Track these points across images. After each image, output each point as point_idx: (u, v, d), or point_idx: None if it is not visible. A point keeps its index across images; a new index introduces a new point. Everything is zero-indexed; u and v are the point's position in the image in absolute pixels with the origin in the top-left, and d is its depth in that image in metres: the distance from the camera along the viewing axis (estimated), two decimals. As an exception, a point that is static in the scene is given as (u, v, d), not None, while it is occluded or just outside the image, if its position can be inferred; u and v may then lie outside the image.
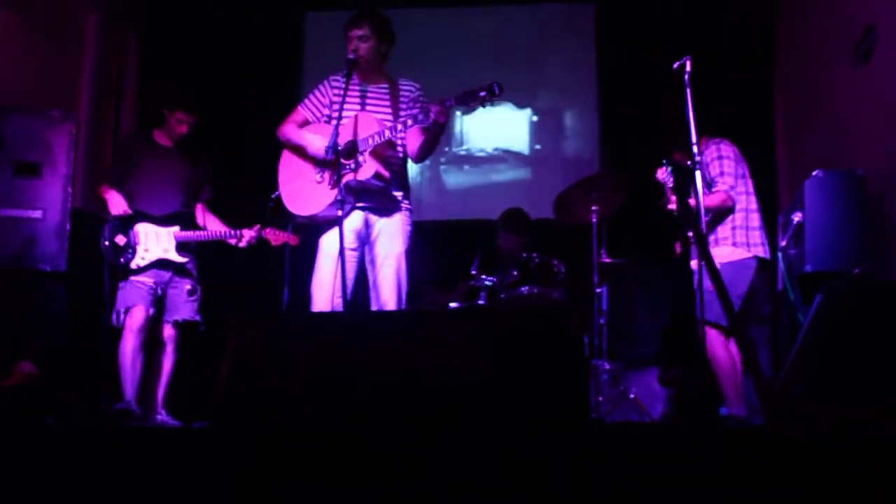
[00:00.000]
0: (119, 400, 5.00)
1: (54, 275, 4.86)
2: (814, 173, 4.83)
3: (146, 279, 5.12)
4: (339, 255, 4.17)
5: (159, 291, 5.17)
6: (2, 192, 4.85)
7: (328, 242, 4.49)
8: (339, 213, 4.15)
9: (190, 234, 5.25)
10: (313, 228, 4.62)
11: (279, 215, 5.11)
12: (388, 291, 4.48)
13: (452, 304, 6.11)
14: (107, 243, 5.09)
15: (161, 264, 5.17)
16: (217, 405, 2.91)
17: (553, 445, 2.52)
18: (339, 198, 4.17)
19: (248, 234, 5.19)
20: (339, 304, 4.30)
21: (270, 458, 2.63)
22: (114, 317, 5.08)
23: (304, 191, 4.52)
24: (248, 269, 6.66)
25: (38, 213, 4.87)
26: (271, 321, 3.29)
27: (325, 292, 4.39)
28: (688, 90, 4.23)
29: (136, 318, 5.06)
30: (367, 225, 4.53)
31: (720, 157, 4.93)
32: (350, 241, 4.41)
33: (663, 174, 4.67)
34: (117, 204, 5.11)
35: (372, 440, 2.62)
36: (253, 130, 6.77)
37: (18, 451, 2.90)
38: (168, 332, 5.23)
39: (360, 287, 4.60)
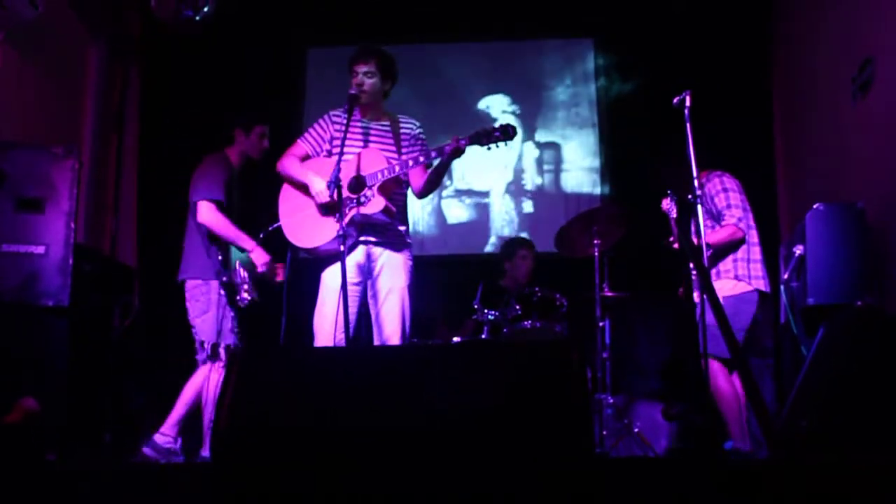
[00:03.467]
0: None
1: (56, 310, 4.85)
2: (814, 206, 4.84)
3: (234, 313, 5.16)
4: (341, 290, 4.17)
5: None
6: (4, 227, 4.85)
7: (331, 277, 4.49)
8: (342, 247, 4.16)
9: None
10: (316, 262, 4.63)
11: (272, 246, 5.16)
12: (391, 326, 4.47)
13: (455, 339, 6.10)
14: (227, 279, 5.08)
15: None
16: (217, 439, 2.90)
17: (558, 480, 2.51)
18: (341, 232, 4.18)
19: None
20: (341, 339, 4.28)
21: (270, 494, 2.62)
22: (220, 350, 5.06)
23: (306, 223, 4.53)
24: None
25: (40, 249, 4.87)
26: (273, 355, 3.29)
27: (328, 327, 4.38)
28: (688, 125, 4.24)
29: None
30: (370, 259, 4.53)
31: (725, 190, 4.94)
32: (353, 276, 4.40)
33: (667, 205, 4.68)
34: (262, 255, 5.13)
35: (373, 477, 2.61)
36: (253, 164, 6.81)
37: (19, 488, 2.89)
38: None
39: (364, 321, 4.60)
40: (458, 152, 4.24)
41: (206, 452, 4.99)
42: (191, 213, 5.21)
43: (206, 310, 5.08)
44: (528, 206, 7.56)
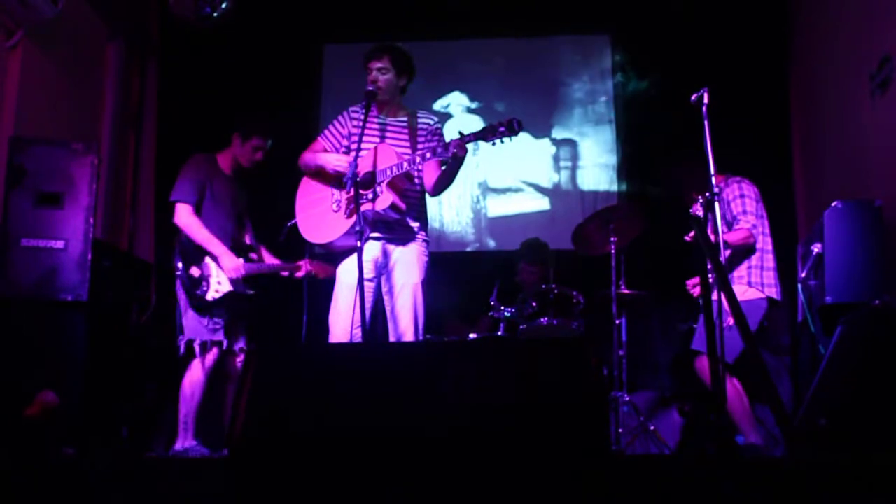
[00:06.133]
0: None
1: (75, 304, 4.88)
2: (832, 204, 4.81)
3: (223, 313, 5.09)
4: (357, 286, 4.17)
5: (231, 325, 5.16)
6: (25, 222, 4.89)
7: (346, 272, 4.50)
8: (358, 243, 4.16)
9: (254, 266, 5.23)
10: (331, 258, 4.64)
11: (291, 243, 5.15)
12: (405, 321, 4.48)
13: (472, 336, 6.11)
14: (179, 273, 5.06)
15: (236, 297, 5.13)
16: (235, 435, 2.91)
17: (574, 478, 2.51)
18: (357, 228, 4.19)
19: (305, 267, 5.22)
20: (357, 335, 4.29)
21: (288, 489, 2.63)
22: (182, 346, 5.05)
23: (320, 219, 4.55)
24: (265, 298, 6.70)
25: (60, 244, 4.91)
26: (290, 352, 3.30)
27: (343, 322, 4.39)
28: (705, 122, 4.23)
29: (212, 355, 5.06)
30: (385, 254, 4.53)
31: (742, 196, 4.93)
32: (368, 271, 4.40)
33: (696, 210, 4.67)
34: (232, 260, 5.09)
35: (388, 473, 2.61)
36: (269, 160, 6.84)
37: (38, 481, 2.91)
38: (242, 360, 5.19)
39: (379, 317, 4.61)
40: (463, 148, 4.22)
41: (178, 445, 5.00)
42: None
43: (183, 309, 5.11)
44: (545, 204, 7.55)
